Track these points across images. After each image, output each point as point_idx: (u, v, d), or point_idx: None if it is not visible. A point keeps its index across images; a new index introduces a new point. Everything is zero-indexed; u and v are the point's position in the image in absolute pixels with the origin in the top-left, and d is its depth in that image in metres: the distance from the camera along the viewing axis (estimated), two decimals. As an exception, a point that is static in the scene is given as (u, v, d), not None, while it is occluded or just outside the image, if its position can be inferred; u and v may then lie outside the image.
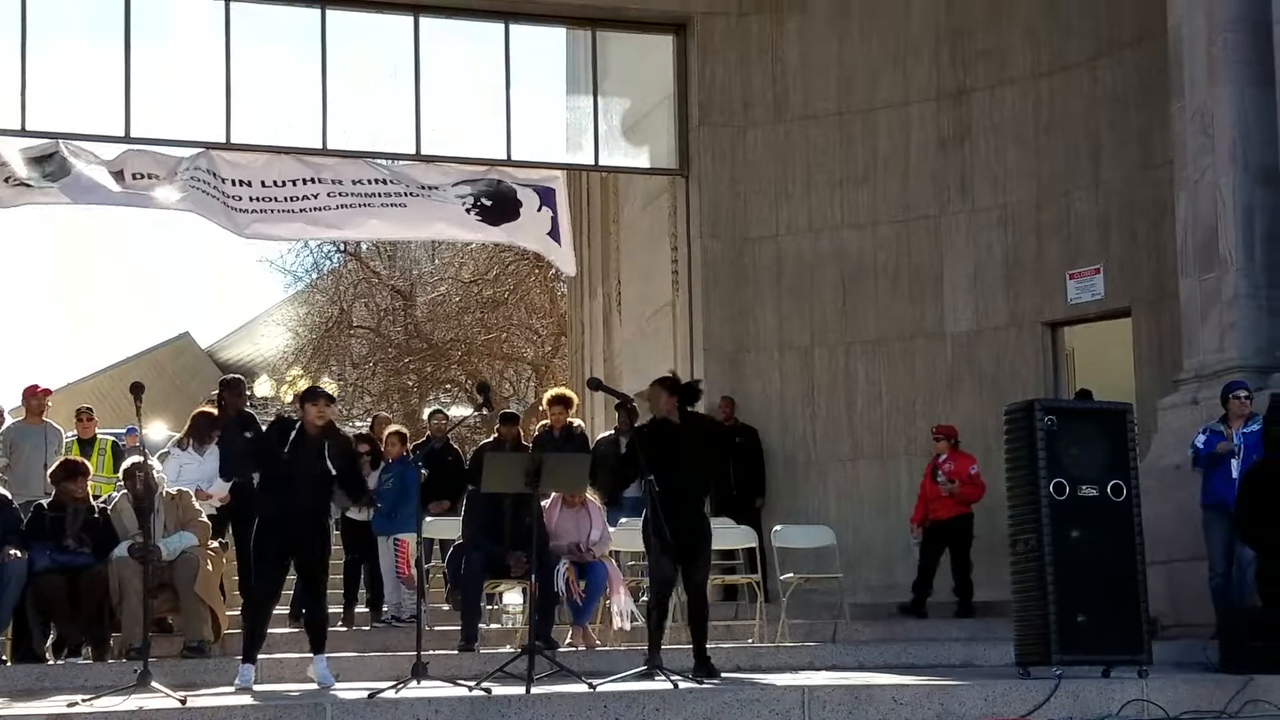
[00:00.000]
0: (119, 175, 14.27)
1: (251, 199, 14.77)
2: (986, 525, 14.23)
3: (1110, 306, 14.39)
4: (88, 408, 14.86)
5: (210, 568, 10.77)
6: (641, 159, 17.41)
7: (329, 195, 15.00)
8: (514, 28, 16.15)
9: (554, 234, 15.53)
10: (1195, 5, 11.80)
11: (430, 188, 15.17)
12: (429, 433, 14.50)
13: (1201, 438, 10.63)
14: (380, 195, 15.11)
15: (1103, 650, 9.07)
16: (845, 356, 15.94)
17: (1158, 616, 10.30)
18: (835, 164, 16.03)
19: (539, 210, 15.46)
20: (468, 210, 15.18)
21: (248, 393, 13.54)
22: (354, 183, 15.04)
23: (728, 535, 13.27)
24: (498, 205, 15.32)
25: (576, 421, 13.38)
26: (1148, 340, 13.96)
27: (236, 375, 13.73)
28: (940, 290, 15.51)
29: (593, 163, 16.90)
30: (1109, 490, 9.19)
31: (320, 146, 15.44)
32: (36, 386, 13.89)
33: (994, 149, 15.25)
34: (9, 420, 14.16)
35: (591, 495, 11.54)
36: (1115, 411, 9.53)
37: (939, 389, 15.44)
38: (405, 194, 15.11)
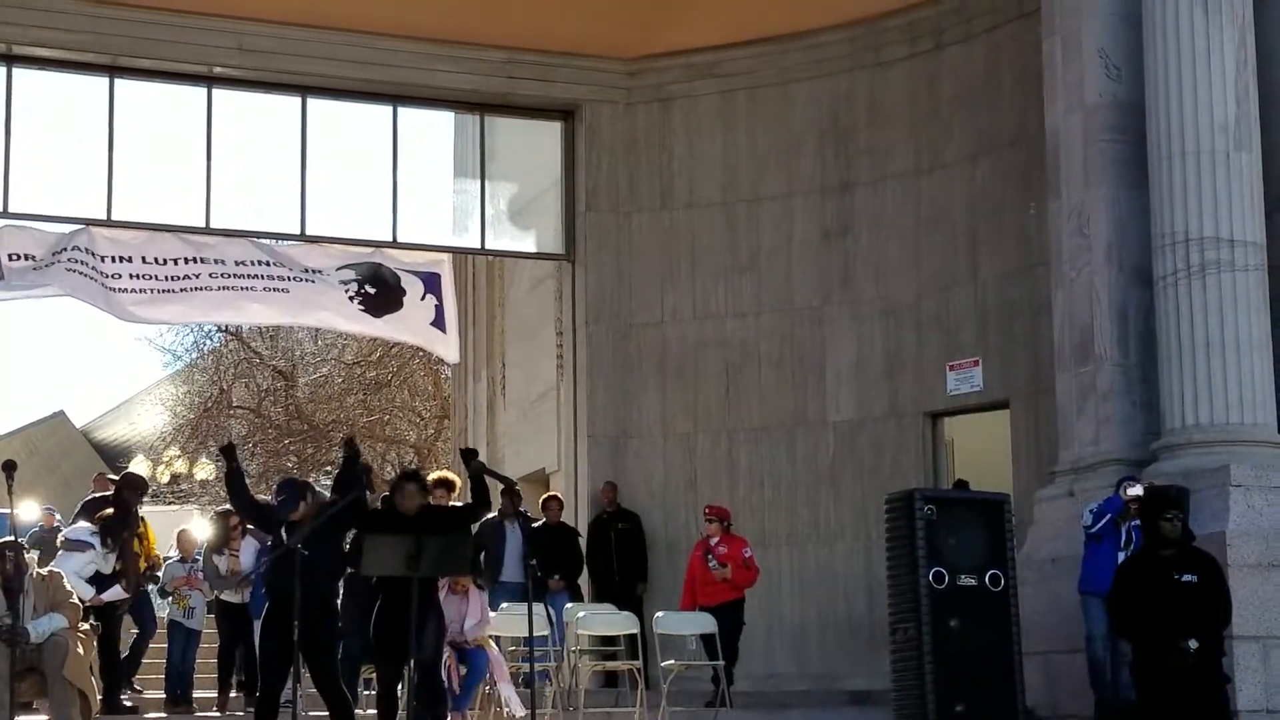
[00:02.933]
0: None
1: (131, 276, 14.54)
2: (868, 613, 14.33)
3: (989, 398, 14.62)
4: None
5: (81, 650, 10.50)
6: (528, 243, 17.47)
7: (210, 276, 14.82)
8: (402, 110, 16.17)
9: (438, 322, 15.46)
10: (1072, 109, 12.14)
11: (314, 271, 15.06)
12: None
13: (1089, 515, 10.70)
14: (263, 278, 14.96)
15: (980, 739, 9.14)
16: (728, 443, 16.01)
17: (1034, 707, 10.39)
18: (720, 253, 16.19)
19: (423, 299, 15.40)
20: (351, 298, 15.08)
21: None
22: (236, 263, 14.89)
23: (609, 621, 13.23)
24: (381, 293, 15.24)
25: (459, 504, 13.27)
26: (1025, 432, 14.19)
27: (139, 474, 13.52)
28: (823, 379, 15.67)
29: (479, 246, 16.92)
30: (987, 580, 9.34)
31: (204, 225, 15.29)
32: None
33: (876, 242, 15.50)
34: None
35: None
36: (993, 502, 9.70)
37: (821, 477, 15.55)
38: (288, 278, 14.98)
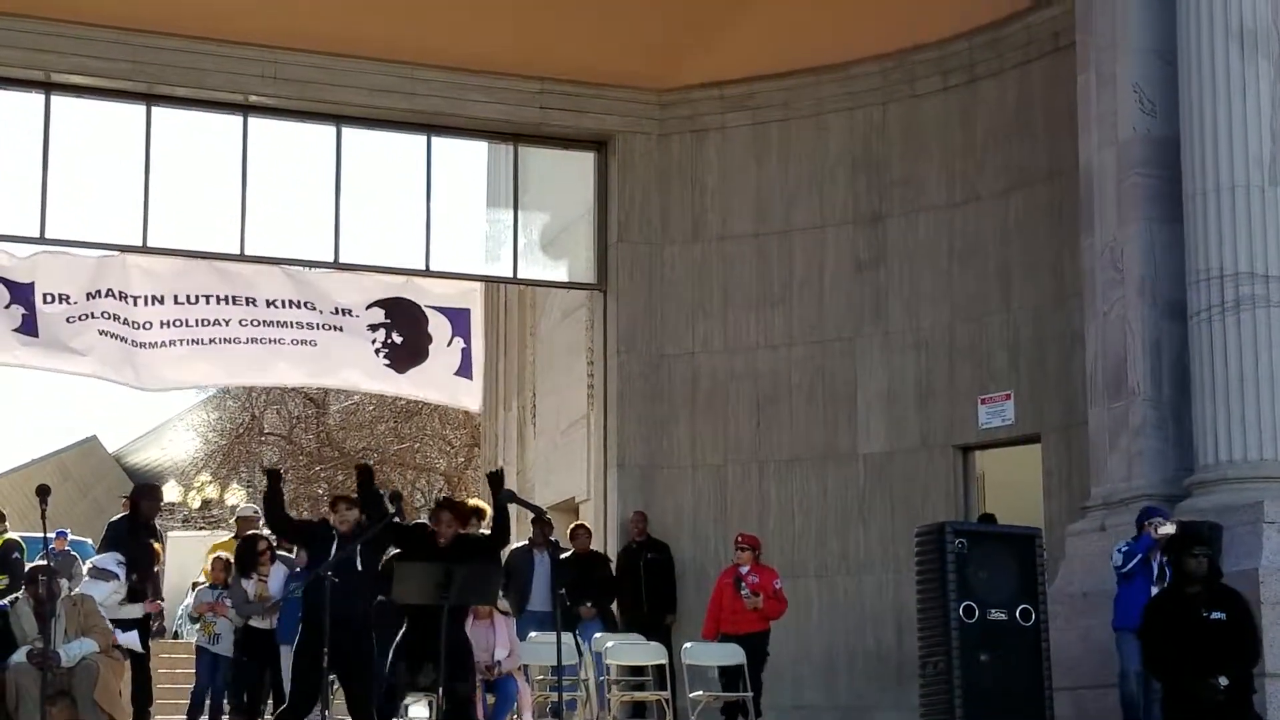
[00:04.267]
0: (29, 303, 14.15)
1: (162, 324, 14.67)
2: (896, 645, 14.27)
3: (1020, 432, 14.56)
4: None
5: (111, 674, 10.57)
6: (560, 273, 17.52)
7: (240, 323, 14.94)
8: (436, 140, 16.26)
9: (464, 369, 15.59)
10: (1105, 144, 12.12)
11: (344, 311, 15.17)
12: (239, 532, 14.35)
13: (1119, 555, 10.64)
14: (291, 325, 15.07)
15: (1010, 774, 9.09)
16: (758, 475, 15.99)
17: (1062, 742, 10.33)
18: (752, 284, 16.20)
19: (449, 345, 15.52)
20: (377, 352, 15.22)
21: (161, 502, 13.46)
22: (268, 304, 15.01)
23: (637, 651, 13.21)
24: (408, 343, 15.35)
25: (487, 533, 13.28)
26: (1057, 466, 14.12)
27: (152, 482, 13.65)
28: (854, 411, 15.64)
29: (511, 275, 16.97)
30: (1018, 614, 9.29)
31: (238, 252, 15.39)
32: None
33: (908, 274, 15.48)
34: None
35: (504, 607, 11.46)
36: (1025, 536, 9.66)
37: (851, 509, 15.51)
38: (317, 325, 15.08)
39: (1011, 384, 14.61)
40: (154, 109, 15.31)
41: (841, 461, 15.63)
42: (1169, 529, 9.93)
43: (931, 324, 15.28)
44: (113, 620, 11.74)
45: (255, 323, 15.05)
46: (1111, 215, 12.04)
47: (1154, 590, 10.14)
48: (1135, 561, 10.36)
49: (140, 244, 15.07)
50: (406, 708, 12.15)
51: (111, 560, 12.07)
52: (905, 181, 15.60)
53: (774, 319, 16.11)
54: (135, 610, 12.30)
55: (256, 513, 14.47)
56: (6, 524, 14.75)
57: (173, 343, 14.80)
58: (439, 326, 15.63)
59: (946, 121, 15.35)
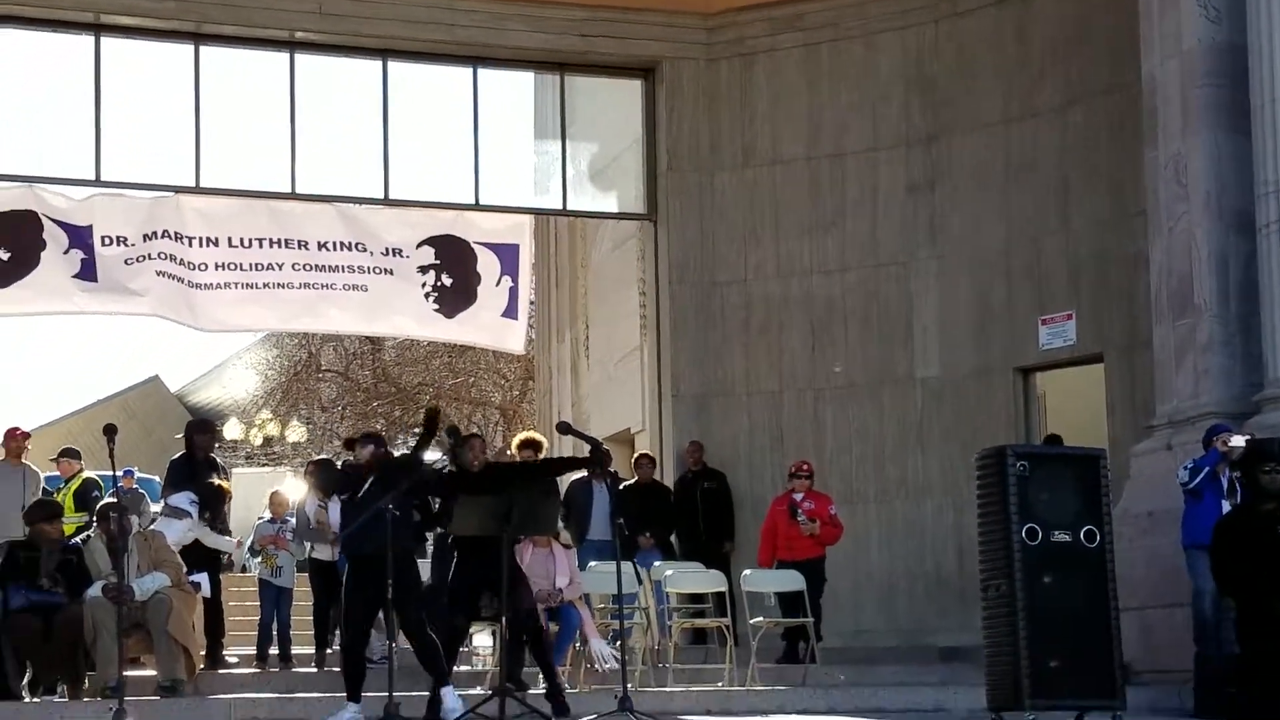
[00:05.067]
0: (87, 247, 14.26)
1: (217, 266, 14.76)
2: (958, 569, 14.23)
3: (1082, 352, 14.43)
4: (70, 449, 14.92)
5: (184, 607, 10.75)
6: (609, 203, 17.44)
7: (293, 267, 15.01)
8: (482, 72, 16.16)
9: (510, 310, 15.61)
10: (1169, 55, 11.90)
11: (394, 251, 15.20)
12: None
13: (1184, 473, 10.53)
14: (343, 269, 15.12)
15: (1075, 695, 9.05)
16: (814, 402, 15.93)
17: (1131, 662, 10.28)
18: (804, 209, 16.07)
19: (497, 284, 15.53)
20: (426, 296, 15.24)
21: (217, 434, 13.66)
22: (319, 246, 15.05)
23: (697, 579, 13.24)
24: (457, 285, 15.36)
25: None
26: (1120, 386, 13.99)
27: (205, 417, 13.79)
28: (910, 335, 15.53)
29: (560, 207, 16.91)
30: (1082, 536, 9.20)
31: (289, 191, 15.39)
32: (16, 429, 13.98)
33: (964, 195, 15.31)
34: None
35: (565, 539, 11.49)
36: (1088, 457, 9.56)
37: (908, 434, 15.44)
38: (368, 268, 15.12)
39: (1072, 304, 14.46)
40: (202, 48, 15.30)
41: (899, 386, 15.55)
42: (1239, 442, 9.83)
43: (989, 245, 15.13)
44: (198, 553, 11.96)
45: (307, 267, 15.11)
46: (1176, 128, 11.84)
47: (1225, 506, 10.04)
48: (1202, 477, 10.25)
49: (194, 184, 15.11)
50: (471, 638, 12.26)
51: (184, 499, 12.26)
52: (959, 100, 15.40)
53: (827, 244, 15.99)
54: (228, 543, 12.78)
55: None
56: (82, 463, 14.97)
57: (227, 285, 14.91)
58: (488, 265, 15.64)
59: (1000, 38, 15.12)
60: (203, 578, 12.08)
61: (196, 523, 12.29)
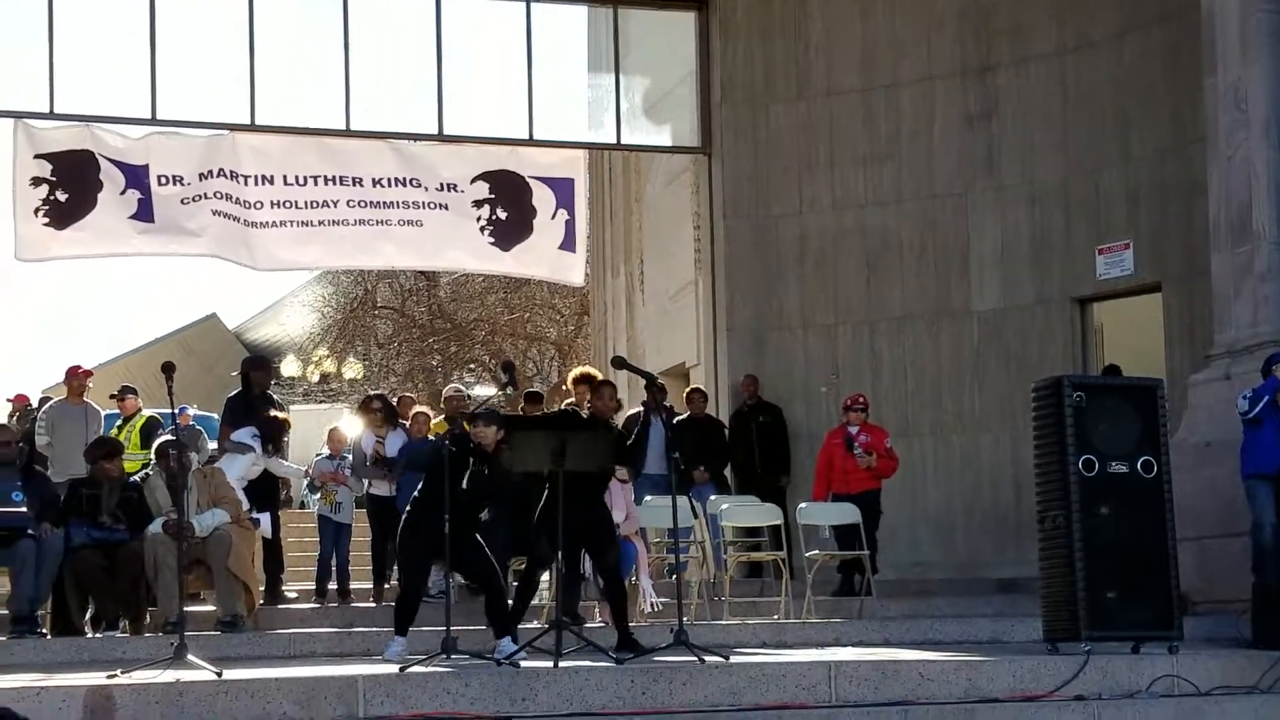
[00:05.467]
0: (144, 186, 14.34)
1: (273, 204, 14.82)
2: (1014, 501, 14.22)
3: (1140, 282, 14.31)
4: (130, 387, 15.09)
5: (243, 543, 10.88)
6: (663, 137, 17.38)
7: (348, 204, 15.05)
8: (535, 5, 16.09)
9: (568, 241, 15.59)
10: (1228, -19, 11.71)
11: (449, 186, 15.20)
12: (446, 412, 14.51)
13: (1244, 402, 10.43)
14: (398, 205, 15.14)
15: (1132, 626, 9.05)
16: (869, 335, 15.89)
17: (1188, 593, 10.25)
18: (859, 140, 15.96)
19: (553, 218, 15.50)
20: (481, 229, 15.25)
21: (274, 371, 13.81)
22: (374, 183, 15.08)
23: (752, 513, 13.28)
24: (512, 219, 15.35)
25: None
26: (1178, 316, 13.88)
27: (262, 354, 13.92)
28: (966, 267, 15.45)
29: (614, 141, 16.87)
30: (1139, 467, 9.17)
31: (343, 128, 15.43)
32: (79, 367, 14.09)
33: (1020, 125, 15.17)
34: (51, 400, 14.37)
35: (622, 474, 11.52)
36: (1145, 387, 9.51)
37: (964, 367, 15.40)
38: (422, 204, 15.13)
39: (1130, 233, 14.33)
40: (254, -14, 15.30)
41: (955, 319, 15.48)
42: None
43: (1045, 175, 15.00)
44: (258, 492, 12.12)
45: (362, 204, 15.14)
46: (1235, 54, 11.66)
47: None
48: (1262, 405, 10.15)
49: (249, 122, 15.16)
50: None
51: (247, 434, 12.41)
52: (1014, 30, 15.22)
53: (882, 175, 15.89)
54: (296, 470, 13.23)
55: (459, 391, 14.77)
56: (139, 401, 15.15)
57: (283, 223, 14.97)
58: (543, 199, 15.62)
59: (1056, -35, 14.92)
60: (264, 517, 12.23)
61: (260, 455, 12.45)
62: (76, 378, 13.94)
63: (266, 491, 12.78)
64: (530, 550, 9.84)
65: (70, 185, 14.34)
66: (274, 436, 12.62)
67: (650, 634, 9.89)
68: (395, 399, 15.95)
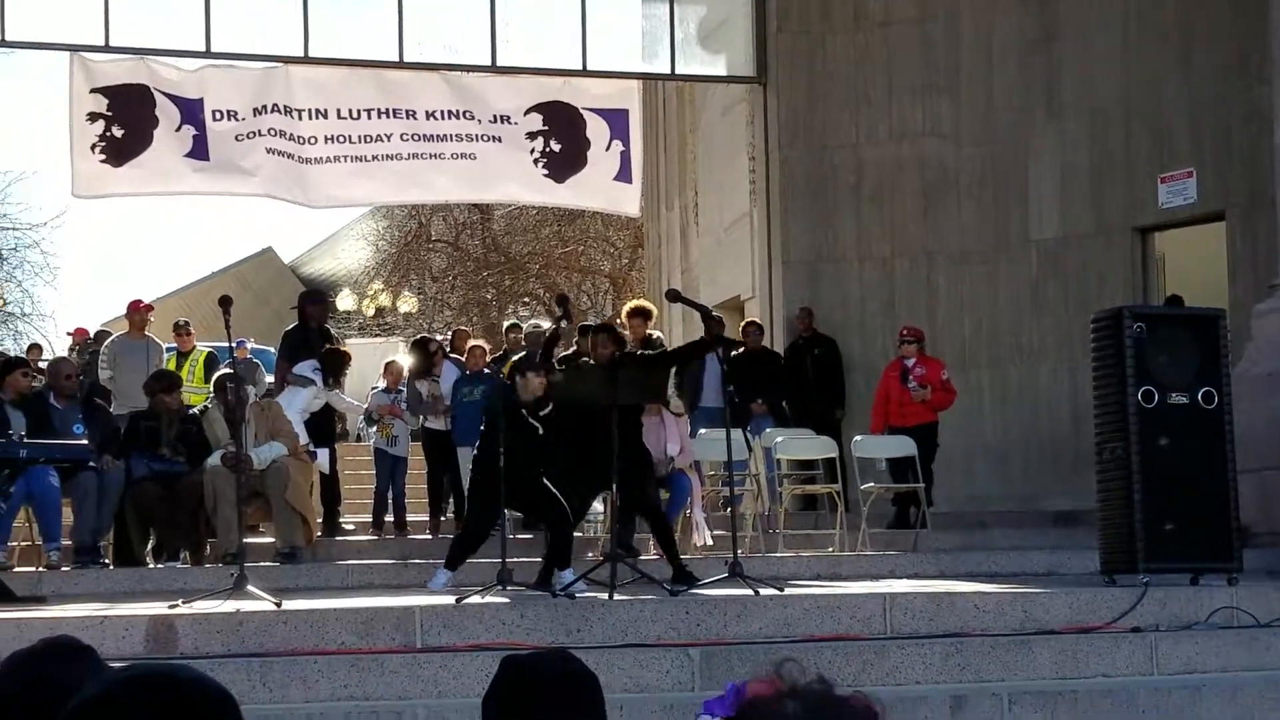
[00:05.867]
0: (199, 122, 14.35)
1: (327, 139, 14.80)
2: (1073, 434, 14.12)
3: (1203, 210, 14.11)
4: (185, 321, 15.22)
5: (300, 476, 10.97)
6: (718, 67, 17.23)
7: (401, 138, 14.99)
8: (590, -66, 15.95)
9: (623, 173, 15.49)
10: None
11: (502, 118, 15.13)
12: (506, 346, 14.56)
13: None
14: (451, 138, 15.07)
15: (1191, 558, 8.99)
16: (926, 266, 15.76)
17: (1247, 524, 10.17)
18: (916, 70, 15.76)
19: (607, 149, 15.40)
20: (535, 161, 15.18)
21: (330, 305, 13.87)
22: (428, 115, 15.02)
23: (807, 445, 13.27)
24: (566, 150, 15.25)
25: (655, 333, 13.34)
26: (1242, 245, 13.69)
27: (317, 288, 13.96)
28: (1025, 198, 15.27)
29: (669, 72, 16.72)
30: (1199, 398, 9.07)
31: (396, 60, 15.38)
32: (140, 302, 14.21)
33: (1080, 51, 14.92)
34: (112, 335, 14.51)
35: (677, 408, 11.52)
36: (1207, 318, 9.39)
37: (1023, 298, 15.26)
38: (476, 136, 15.07)
39: (1193, 162, 14.12)
40: (306, -85, 15.23)
41: (1013, 249, 15.33)
42: None
43: (1107, 103, 14.76)
44: (315, 427, 12.22)
45: (416, 137, 15.08)
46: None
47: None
48: None
49: (302, 54, 15.13)
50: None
51: (308, 367, 12.49)
52: (1075, -46, 14.95)
53: (940, 105, 15.70)
54: (355, 405, 13.48)
55: (536, 326, 14.81)
56: (194, 336, 15.28)
57: (337, 159, 14.95)
58: (597, 130, 15.51)
59: (1118, -112, 14.63)
60: (322, 453, 12.32)
61: (321, 389, 12.52)
62: (138, 312, 14.07)
63: (323, 426, 12.87)
64: (562, 504, 9.82)
65: (126, 121, 14.37)
66: (335, 370, 12.69)
67: (705, 567, 9.91)
68: (450, 333, 16.02)
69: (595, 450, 9.33)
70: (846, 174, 16.05)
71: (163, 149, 14.47)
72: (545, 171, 15.36)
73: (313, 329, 12.89)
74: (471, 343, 14.01)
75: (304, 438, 12.06)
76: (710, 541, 11.21)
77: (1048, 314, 15.05)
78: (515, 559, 9.49)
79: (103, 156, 14.26)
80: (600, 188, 15.65)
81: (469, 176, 15.38)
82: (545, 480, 9.41)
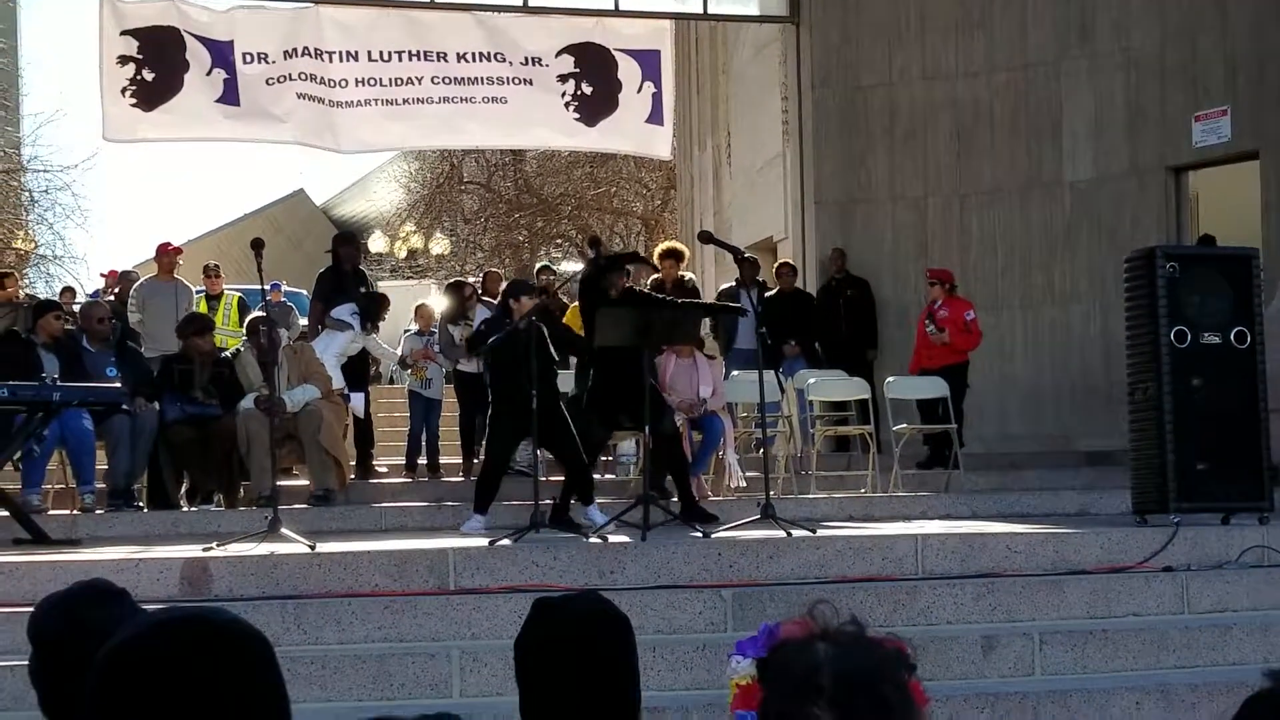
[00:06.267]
0: (229, 65, 14.32)
1: (357, 82, 14.76)
2: (1104, 374, 14.09)
3: (1237, 149, 13.98)
4: (215, 264, 15.23)
5: (334, 418, 11.02)
6: (750, 6, 17.10)
7: (432, 81, 14.94)
8: None
9: (655, 114, 15.41)
10: None
11: (534, 60, 15.06)
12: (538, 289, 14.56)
13: None
14: (482, 81, 15.02)
15: (1222, 498, 8.98)
16: (959, 207, 15.70)
17: (1279, 464, 10.14)
18: (950, 9, 15.63)
19: (639, 91, 15.32)
20: (566, 105, 15.12)
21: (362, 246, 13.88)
22: (459, 58, 14.97)
23: (839, 387, 13.27)
24: (598, 93, 15.19)
25: (688, 275, 13.34)
26: (1275, 184, 13.57)
27: (354, 230, 13.97)
28: (1059, 137, 15.17)
29: (701, 11, 16.62)
30: (1232, 338, 9.04)
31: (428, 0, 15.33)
32: (168, 244, 14.20)
33: (1116, -10, 14.79)
34: (141, 278, 14.55)
35: (711, 350, 11.54)
36: (1240, 257, 9.34)
37: (1056, 238, 15.18)
38: (507, 79, 15.01)
39: (1228, 100, 13.98)
40: None
41: (1047, 190, 15.24)
42: None
43: (1141, 42, 14.63)
44: (349, 372, 12.28)
45: (447, 80, 15.03)
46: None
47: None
48: None
49: (333, -7, 15.09)
50: (613, 447, 12.47)
51: (346, 311, 12.50)
52: (1111, -110, 14.77)
53: (974, 44, 15.58)
54: (391, 353, 13.45)
55: (548, 267, 14.87)
56: (222, 278, 15.32)
57: (368, 102, 14.91)
58: (629, 72, 15.44)
59: None
60: (357, 397, 12.37)
61: (359, 333, 12.54)
62: (167, 254, 14.07)
63: (358, 370, 12.91)
64: (583, 435, 9.88)
65: (157, 64, 14.36)
66: (373, 314, 12.69)
67: (737, 508, 9.95)
68: (482, 275, 16.03)
69: (623, 383, 9.40)
70: (879, 114, 15.96)
71: (193, 93, 14.46)
72: (576, 115, 15.32)
73: (346, 271, 12.91)
74: (504, 285, 14.02)
75: (339, 381, 12.11)
76: (743, 483, 11.25)
77: (1080, 254, 14.98)
78: (550, 501, 9.55)
79: (133, 100, 14.26)
80: (631, 130, 15.60)
81: (500, 121, 15.35)
82: (564, 410, 9.49)
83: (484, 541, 8.16)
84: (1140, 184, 14.68)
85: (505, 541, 8.13)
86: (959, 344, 13.18)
